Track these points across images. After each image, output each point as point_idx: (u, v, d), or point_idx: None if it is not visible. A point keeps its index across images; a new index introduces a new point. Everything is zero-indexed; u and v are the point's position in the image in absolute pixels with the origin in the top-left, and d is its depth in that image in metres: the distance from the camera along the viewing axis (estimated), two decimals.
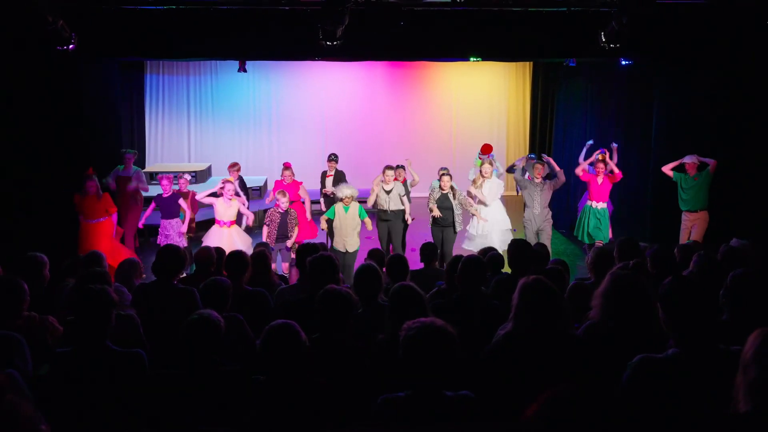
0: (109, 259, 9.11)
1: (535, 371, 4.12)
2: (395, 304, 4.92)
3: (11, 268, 6.76)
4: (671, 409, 3.56)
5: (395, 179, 12.56)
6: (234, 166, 13.64)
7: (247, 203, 12.57)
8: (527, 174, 12.81)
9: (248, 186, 17.70)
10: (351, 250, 11.39)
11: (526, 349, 4.29)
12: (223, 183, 12.03)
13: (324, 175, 14.19)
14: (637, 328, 4.45)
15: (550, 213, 12.55)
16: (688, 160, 11.84)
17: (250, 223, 12.11)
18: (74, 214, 11.47)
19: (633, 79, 14.68)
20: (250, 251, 9.52)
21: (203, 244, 10.56)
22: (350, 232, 11.37)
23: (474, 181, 12.77)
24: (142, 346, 5.29)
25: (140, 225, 12.67)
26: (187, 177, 13.40)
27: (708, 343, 3.68)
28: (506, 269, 8.05)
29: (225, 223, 11.60)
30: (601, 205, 12.56)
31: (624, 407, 3.64)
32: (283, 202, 11.47)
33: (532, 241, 11.64)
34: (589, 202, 12.77)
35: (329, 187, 13.56)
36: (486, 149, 14.34)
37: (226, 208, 11.64)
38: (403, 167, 13.06)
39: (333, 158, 14.11)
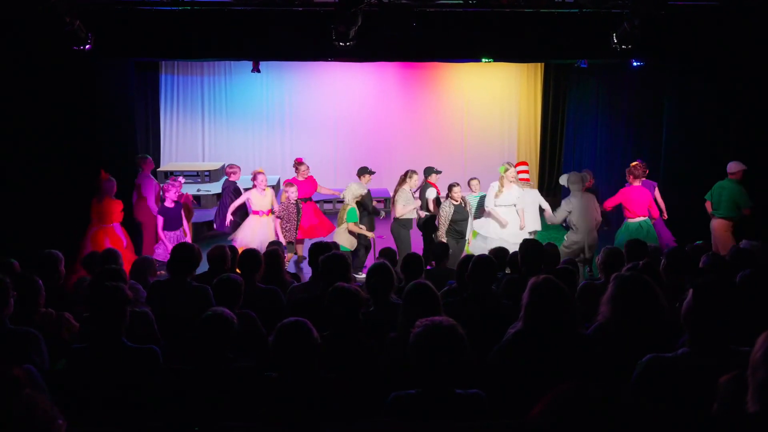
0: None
1: (544, 370, 4.14)
2: (409, 301, 4.94)
3: (27, 266, 6.83)
4: (680, 409, 3.58)
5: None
6: (232, 168, 13.34)
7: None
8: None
9: None
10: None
11: (535, 348, 4.32)
12: (254, 174, 12.28)
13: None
14: (646, 328, 4.47)
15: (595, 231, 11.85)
16: (738, 167, 11.21)
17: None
18: (87, 211, 11.48)
19: (644, 81, 14.66)
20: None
21: (240, 234, 11.40)
22: (340, 234, 11.49)
23: (498, 192, 12.04)
24: (156, 342, 5.35)
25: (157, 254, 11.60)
26: (182, 180, 12.96)
27: (719, 344, 3.70)
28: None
29: (264, 213, 11.87)
30: (641, 219, 11.68)
31: (632, 406, 3.67)
32: (293, 192, 11.58)
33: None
34: (629, 221, 11.76)
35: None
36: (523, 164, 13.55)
37: (261, 198, 11.91)
38: (436, 171, 12.70)
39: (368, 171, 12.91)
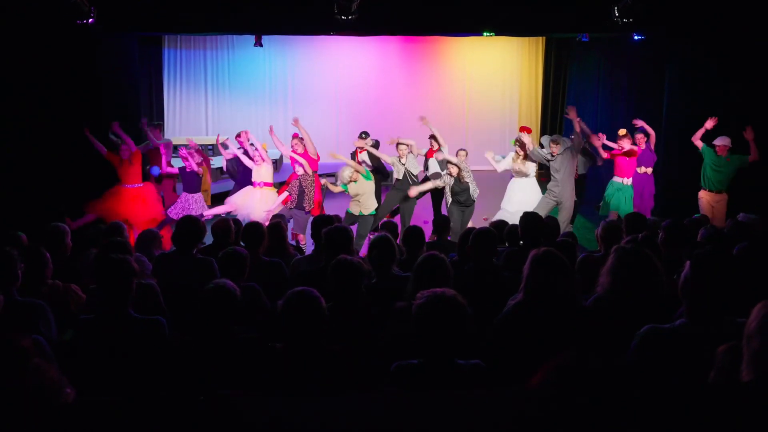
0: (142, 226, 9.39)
1: (544, 341, 4.19)
2: (421, 272, 4.98)
3: (35, 238, 6.90)
4: (676, 379, 3.64)
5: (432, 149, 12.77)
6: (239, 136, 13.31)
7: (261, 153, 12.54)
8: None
9: None
10: (365, 212, 11.59)
11: (535, 319, 4.36)
12: (242, 147, 12.47)
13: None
14: (645, 300, 4.51)
15: (574, 189, 12.24)
16: (719, 142, 11.53)
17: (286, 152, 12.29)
18: (93, 185, 11.53)
19: (645, 55, 14.64)
20: (276, 210, 9.92)
21: (237, 199, 11.58)
22: (367, 196, 11.58)
23: (515, 158, 12.57)
24: (162, 313, 5.39)
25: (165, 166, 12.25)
26: (194, 144, 13.07)
27: (716, 315, 3.75)
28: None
29: (258, 184, 11.86)
30: (627, 181, 12.24)
31: (628, 375, 3.73)
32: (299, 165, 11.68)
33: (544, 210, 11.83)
34: (617, 179, 12.39)
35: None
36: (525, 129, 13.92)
37: (257, 170, 11.91)
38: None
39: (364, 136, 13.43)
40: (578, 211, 13.38)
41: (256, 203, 11.52)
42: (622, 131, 12.39)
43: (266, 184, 11.90)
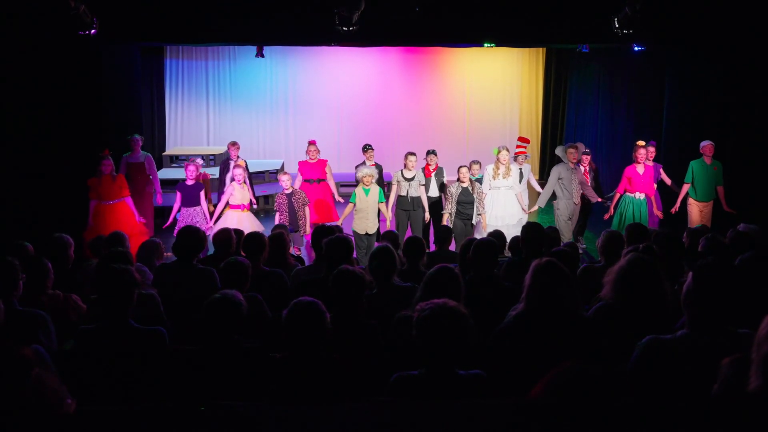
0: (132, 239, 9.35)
1: (545, 351, 4.18)
2: (432, 283, 4.94)
3: (39, 249, 6.90)
4: (678, 389, 3.63)
5: (429, 167, 12.44)
6: (234, 145, 13.46)
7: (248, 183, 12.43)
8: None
9: (265, 170, 17.91)
10: (371, 232, 11.39)
11: (536, 329, 4.35)
12: (233, 166, 12.21)
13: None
14: (647, 310, 4.51)
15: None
16: (706, 144, 11.69)
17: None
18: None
19: (645, 65, 14.68)
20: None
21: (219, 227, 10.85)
22: (371, 215, 11.37)
23: (494, 174, 12.26)
24: (162, 323, 5.38)
25: (171, 219, 11.88)
26: (199, 161, 13.13)
27: (718, 326, 3.74)
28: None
29: (239, 207, 11.64)
30: (640, 196, 11.91)
31: (629, 385, 3.72)
32: (285, 181, 11.60)
33: (566, 231, 11.83)
34: (630, 194, 11.99)
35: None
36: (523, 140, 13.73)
37: (240, 192, 11.68)
38: (434, 152, 12.55)
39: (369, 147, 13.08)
40: (586, 225, 13.36)
41: (246, 226, 11.41)
42: (641, 142, 12.18)
43: (245, 206, 11.75)
